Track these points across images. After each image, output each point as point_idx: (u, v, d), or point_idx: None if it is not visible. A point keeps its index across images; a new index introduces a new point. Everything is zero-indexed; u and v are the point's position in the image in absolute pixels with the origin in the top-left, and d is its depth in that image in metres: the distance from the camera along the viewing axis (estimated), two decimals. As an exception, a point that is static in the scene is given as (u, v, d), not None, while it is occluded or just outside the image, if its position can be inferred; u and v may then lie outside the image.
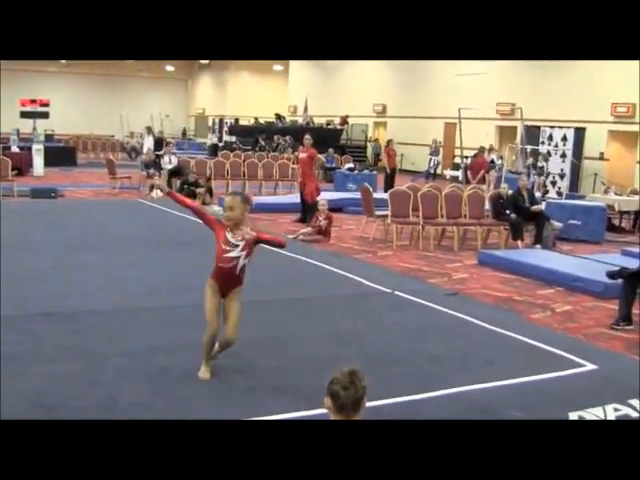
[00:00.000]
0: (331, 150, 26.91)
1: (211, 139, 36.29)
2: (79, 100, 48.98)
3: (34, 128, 28.47)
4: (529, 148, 21.62)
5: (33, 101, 31.86)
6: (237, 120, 38.89)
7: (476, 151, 21.05)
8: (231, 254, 5.45)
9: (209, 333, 5.58)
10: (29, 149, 24.30)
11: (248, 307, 5.91)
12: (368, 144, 34.75)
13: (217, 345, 5.66)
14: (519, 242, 13.05)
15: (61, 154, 27.88)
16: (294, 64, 41.92)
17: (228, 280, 5.55)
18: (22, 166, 22.45)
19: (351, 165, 23.93)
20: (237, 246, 5.45)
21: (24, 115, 30.98)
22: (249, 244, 5.48)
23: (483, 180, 19.32)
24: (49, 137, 30.46)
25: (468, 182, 18.60)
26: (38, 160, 23.66)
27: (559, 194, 21.14)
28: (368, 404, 3.05)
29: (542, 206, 14.21)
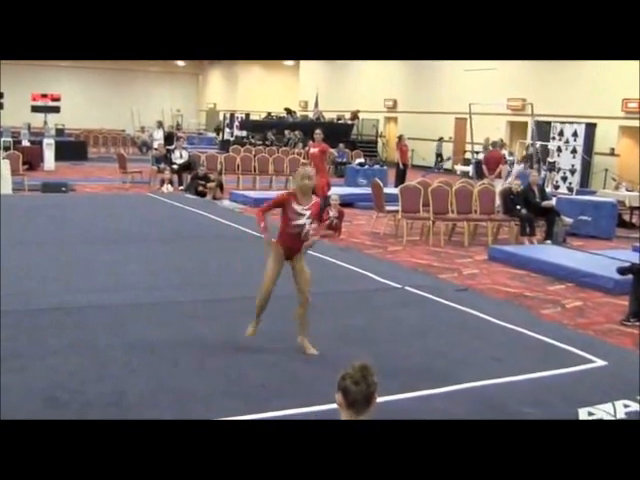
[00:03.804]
0: (342, 145, 26.88)
1: (230, 134, 36.33)
2: (90, 95, 49.08)
3: (45, 122, 28.52)
4: (538, 144, 21.50)
5: (44, 95, 31.87)
6: (248, 115, 38.86)
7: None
8: (299, 222, 5.92)
9: (264, 295, 6.07)
10: (40, 143, 24.38)
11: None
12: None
13: (297, 312, 6.16)
14: (525, 239, 12.96)
15: (72, 148, 27.99)
16: (305, 59, 41.94)
17: (294, 243, 6.04)
18: (33, 160, 22.57)
19: (362, 160, 23.93)
20: (304, 215, 5.92)
21: (35, 109, 31.02)
22: (315, 212, 6.02)
23: (499, 175, 19.06)
24: (60, 132, 30.54)
25: (482, 177, 18.35)
26: (49, 154, 23.76)
27: (570, 190, 21.06)
28: (378, 399, 3.05)
29: (553, 202, 14.16)
